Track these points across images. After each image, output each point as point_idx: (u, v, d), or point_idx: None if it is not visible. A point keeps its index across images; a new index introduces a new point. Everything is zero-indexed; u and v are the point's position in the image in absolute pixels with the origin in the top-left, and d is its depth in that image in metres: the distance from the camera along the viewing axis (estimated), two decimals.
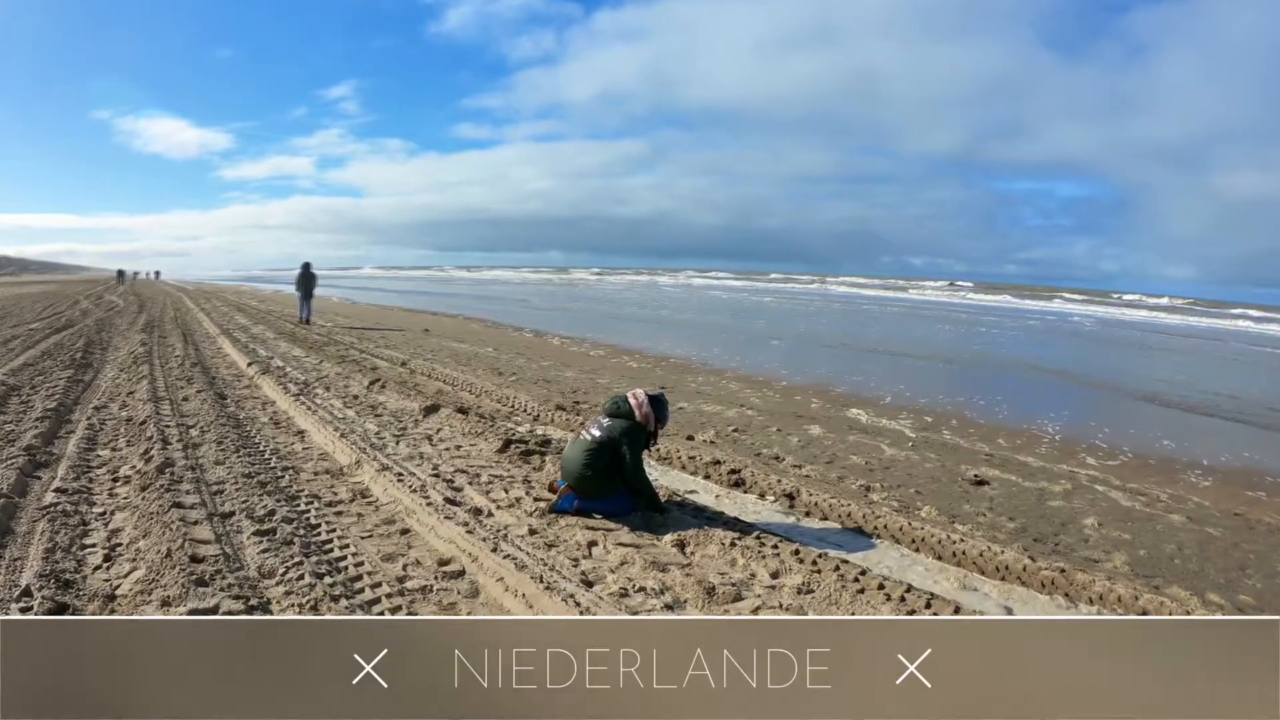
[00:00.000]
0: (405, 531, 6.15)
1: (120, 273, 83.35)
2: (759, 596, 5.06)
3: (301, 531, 5.87)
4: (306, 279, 25.71)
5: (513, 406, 11.85)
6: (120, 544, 5.50)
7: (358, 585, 5.01)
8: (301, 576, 4.95)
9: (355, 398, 11.48)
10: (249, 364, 14.06)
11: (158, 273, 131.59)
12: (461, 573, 5.36)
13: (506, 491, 7.19)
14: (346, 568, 5.30)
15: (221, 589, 4.62)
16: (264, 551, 5.34)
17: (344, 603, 4.63)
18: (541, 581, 4.98)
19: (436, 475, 7.56)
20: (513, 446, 8.65)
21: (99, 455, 7.88)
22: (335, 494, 7.03)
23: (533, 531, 6.12)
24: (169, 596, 4.46)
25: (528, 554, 5.52)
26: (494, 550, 5.51)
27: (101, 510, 6.22)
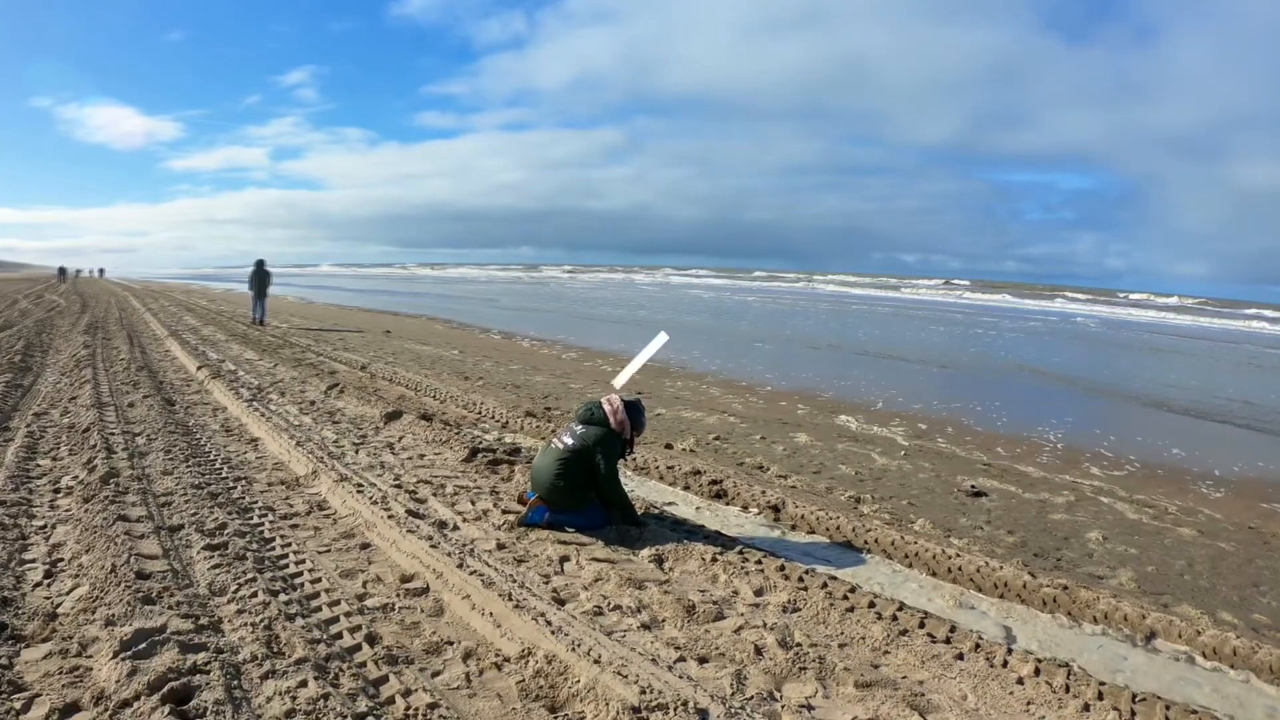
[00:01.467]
0: (365, 546, 6.15)
1: (62, 270, 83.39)
2: (742, 615, 5.10)
3: (255, 546, 5.85)
4: (260, 277, 25.66)
5: (479, 413, 11.86)
6: (62, 559, 5.46)
7: (314, 603, 5.00)
8: (255, 594, 4.93)
9: (312, 403, 11.47)
10: (199, 367, 14.01)
11: (101, 270, 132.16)
12: (425, 590, 5.35)
13: (473, 503, 7.21)
14: (303, 584, 5.29)
15: (169, 607, 4.61)
16: (215, 567, 5.33)
17: (299, 622, 4.62)
18: (510, 599, 5.00)
19: (398, 486, 7.57)
20: (479, 455, 8.68)
21: (39, 465, 7.80)
22: (291, 506, 7.01)
23: (501, 546, 6.14)
24: (114, 615, 4.45)
25: (496, 570, 5.54)
26: (460, 566, 5.53)
27: (42, 523, 6.16)
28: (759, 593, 5.51)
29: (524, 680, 4.14)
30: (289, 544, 6.02)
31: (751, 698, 4.04)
